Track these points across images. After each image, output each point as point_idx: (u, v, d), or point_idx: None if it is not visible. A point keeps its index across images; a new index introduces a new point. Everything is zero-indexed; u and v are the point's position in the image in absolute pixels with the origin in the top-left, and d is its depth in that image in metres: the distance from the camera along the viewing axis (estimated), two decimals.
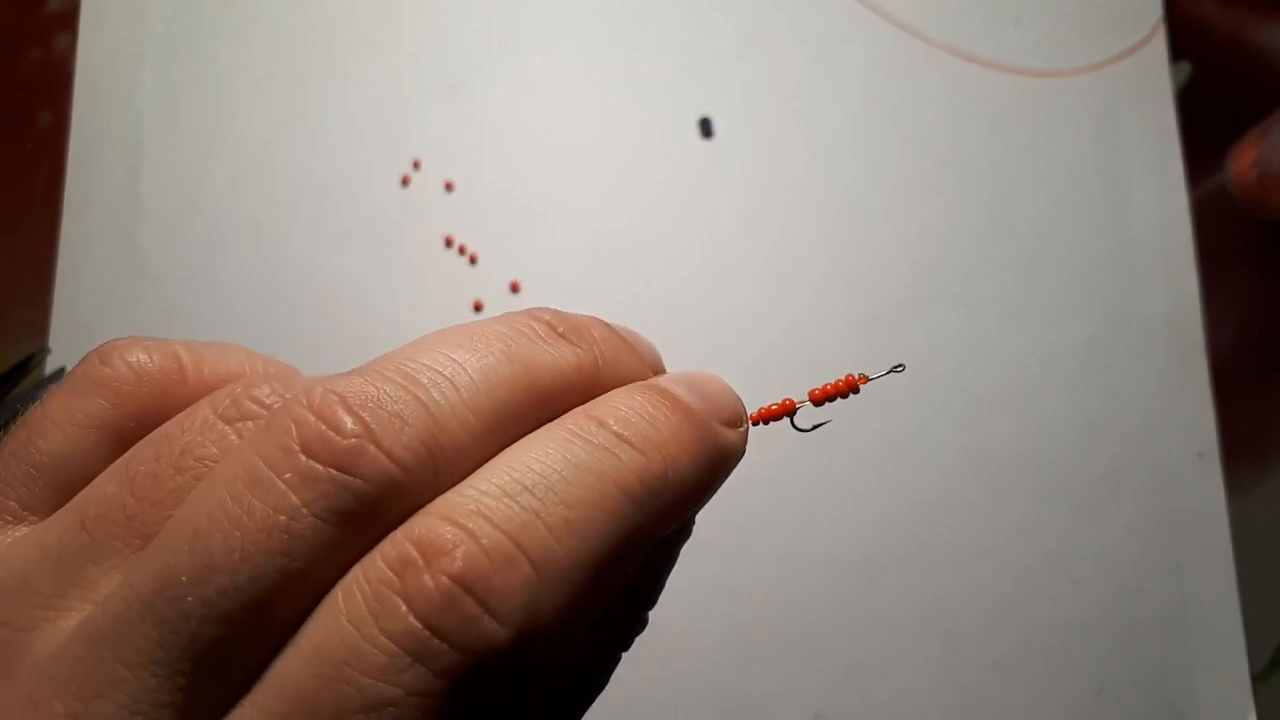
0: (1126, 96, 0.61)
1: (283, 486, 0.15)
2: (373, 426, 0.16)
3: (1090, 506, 0.55)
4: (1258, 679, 0.54)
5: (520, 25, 0.61)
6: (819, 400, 0.24)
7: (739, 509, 0.54)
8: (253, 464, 0.15)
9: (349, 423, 0.16)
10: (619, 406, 0.18)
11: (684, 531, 0.22)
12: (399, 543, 0.15)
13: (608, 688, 0.22)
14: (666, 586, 0.22)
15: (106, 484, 0.17)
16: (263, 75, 0.60)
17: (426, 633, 0.14)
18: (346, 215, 0.58)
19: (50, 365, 0.55)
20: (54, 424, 0.18)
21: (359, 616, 0.14)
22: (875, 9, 0.62)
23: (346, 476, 0.15)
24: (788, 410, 0.23)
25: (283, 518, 0.15)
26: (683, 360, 0.55)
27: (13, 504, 0.18)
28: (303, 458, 0.15)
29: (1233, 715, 0.53)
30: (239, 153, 0.59)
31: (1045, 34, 0.62)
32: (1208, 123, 0.60)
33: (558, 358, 0.19)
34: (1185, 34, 0.62)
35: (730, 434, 0.20)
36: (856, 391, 0.23)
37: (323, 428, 0.15)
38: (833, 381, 0.24)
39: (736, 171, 0.59)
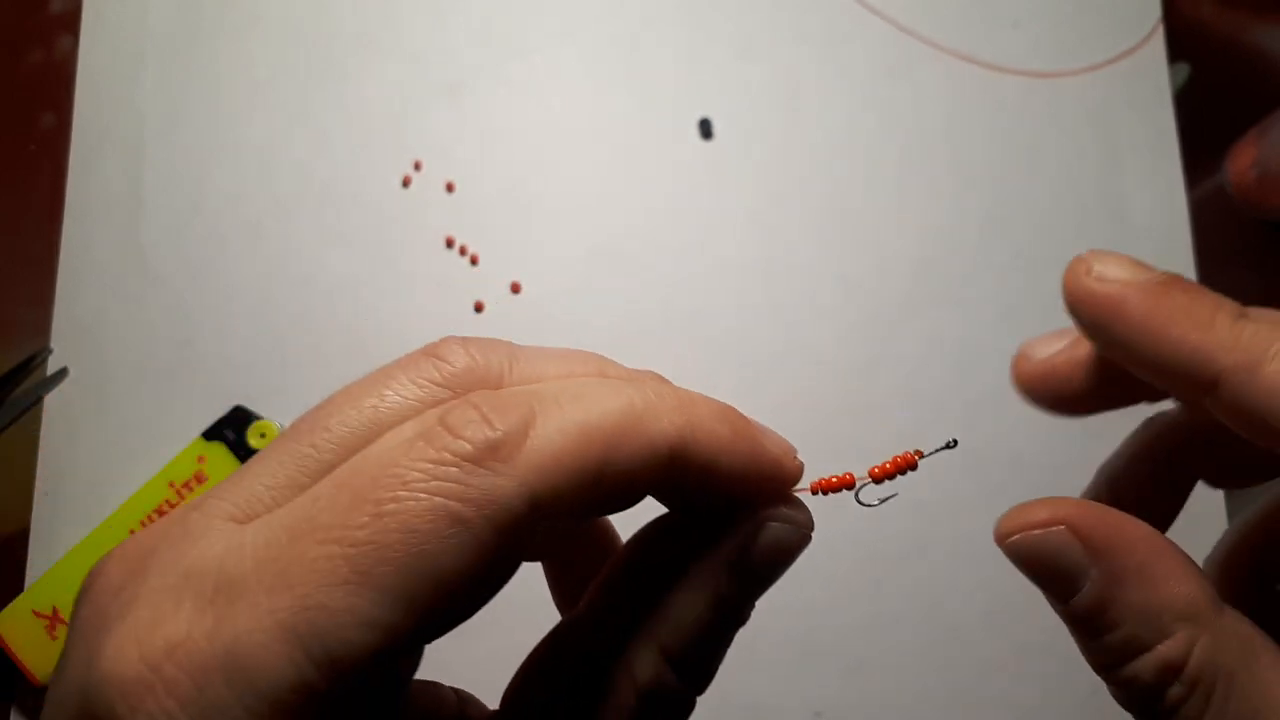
0: (1125, 97, 0.61)
1: (396, 368, 0.22)
2: (469, 342, 0.22)
3: None
4: None
5: (521, 26, 0.61)
6: (879, 478, 0.26)
7: None
8: (392, 368, 0.22)
9: (457, 341, 0.22)
10: None
11: (739, 616, 0.24)
12: (456, 400, 0.21)
13: None
14: None
15: None
16: (264, 76, 0.60)
17: (439, 427, 0.19)
18: (347, 216, 0.58)
19: (52, 365, 0.55)
20: None
21: (407, 429, 0.20)
22: (875, 10, 0.62)
23: (435, 359, 0.22)
24: (846, 484, 0.26)
25: (383, 379, 0.22)
26: (681, 359, 0.55)
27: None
28: (420, 356, 0.22)
29: None
30: (240, 153, 0.59)
31: (1044, 35, 0.62)
32: (1206, 123, 0.61)
33: (639, 381, 0.24)
34: (1184, 35, 0.62)
35: (773, 446, 0.24)
36: (914, 468, 0.26)
37: (440, 342, 0.23)
38: (890, 459, 0.26)
39: (736, 172, 0.59)
